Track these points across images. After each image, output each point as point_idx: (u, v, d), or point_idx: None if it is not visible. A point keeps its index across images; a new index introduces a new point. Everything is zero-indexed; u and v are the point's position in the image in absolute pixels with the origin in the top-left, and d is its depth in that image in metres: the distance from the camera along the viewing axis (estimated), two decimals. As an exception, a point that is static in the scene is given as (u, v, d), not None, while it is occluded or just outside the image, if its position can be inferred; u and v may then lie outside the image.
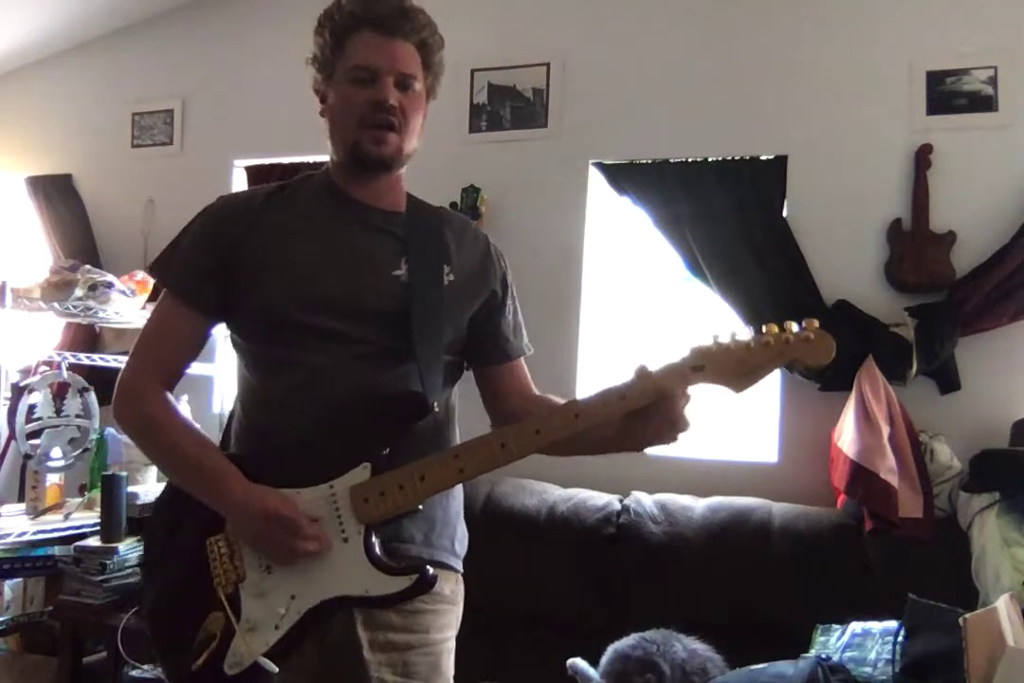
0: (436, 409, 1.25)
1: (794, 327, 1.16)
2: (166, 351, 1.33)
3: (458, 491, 1.39)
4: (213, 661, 1.18)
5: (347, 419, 1.23)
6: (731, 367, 1.16)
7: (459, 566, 1.37)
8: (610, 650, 2.12)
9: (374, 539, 1.19)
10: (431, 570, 1.18)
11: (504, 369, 1.44)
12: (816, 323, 1.15)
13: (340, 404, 1.24)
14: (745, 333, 1.16)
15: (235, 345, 1.36)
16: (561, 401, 1.33)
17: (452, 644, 1.34)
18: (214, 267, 1.29)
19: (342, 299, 1.27)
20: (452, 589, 1.35)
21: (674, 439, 1.19)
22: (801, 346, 1.14)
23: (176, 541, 1.30)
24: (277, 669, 1.16)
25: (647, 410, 1.17)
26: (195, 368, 1.42)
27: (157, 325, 1.33)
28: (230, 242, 1.29)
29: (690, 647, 2.07)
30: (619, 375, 1.21)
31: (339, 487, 1.20)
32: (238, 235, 1.30)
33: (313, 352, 1.26)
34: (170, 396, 1.31)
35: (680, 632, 2.13)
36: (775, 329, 1.16)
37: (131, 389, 1.30)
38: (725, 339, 1.16)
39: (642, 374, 1.18)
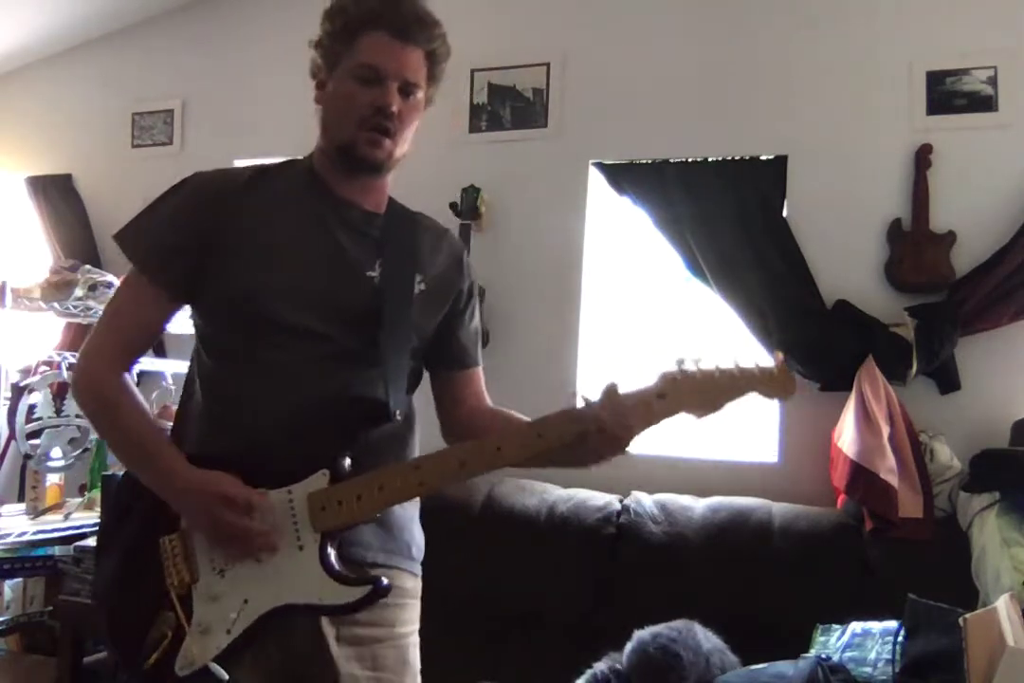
0: (398, 418, 1.25)
1: (760, 361, 1.15)
2: (129, 332, 1.30)
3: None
4: (164, 660, 1.18)
5: (308, 422, 1.22)
6: (695, 396, 1.14)
7: (417, 570, 1.37)
8: (633, 637, 2.07)
9: (329, 548, 1.18)
10: (385, 580, 1.17)
11: (459, 376, 1.43)
12: (781, 357, 1.16)
13: (303, 406, 1.23)
14: (711, 361, 1.15)
15: (197, 330, 1.33)
16: (515, 416, 1.34)
17: (416, 639, 1.34)
18: (187, 247, 1.25)
19: (315, 294, 1.26)
20: (413, 585, 1.35)
21: (608, 459, 1.18)
22: (764, 380, 1.14)
23: (131, 538, 1.28)
24: (227, 677, 1.15)
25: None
26: (178, 366, 1.42)
27: (121, 304, 1.31)
28: (206, 222, 1.26)
29: (714, 641, 2.05)
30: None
31: (297, 493, 1.19)
32: (216, 215, 1.26)
33: (279, 348, 1.25)
34: (128, 379, 1.29)
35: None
36: (741, 361, 1.15)
37: (90, 371, 1.28)
38: (691, 367, 1.14)
39: (609, 397, 1.15)
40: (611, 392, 1.15)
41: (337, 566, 1.18)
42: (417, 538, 1.38)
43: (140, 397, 1.29)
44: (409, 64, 1.27)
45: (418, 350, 1.35)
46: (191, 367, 1.35)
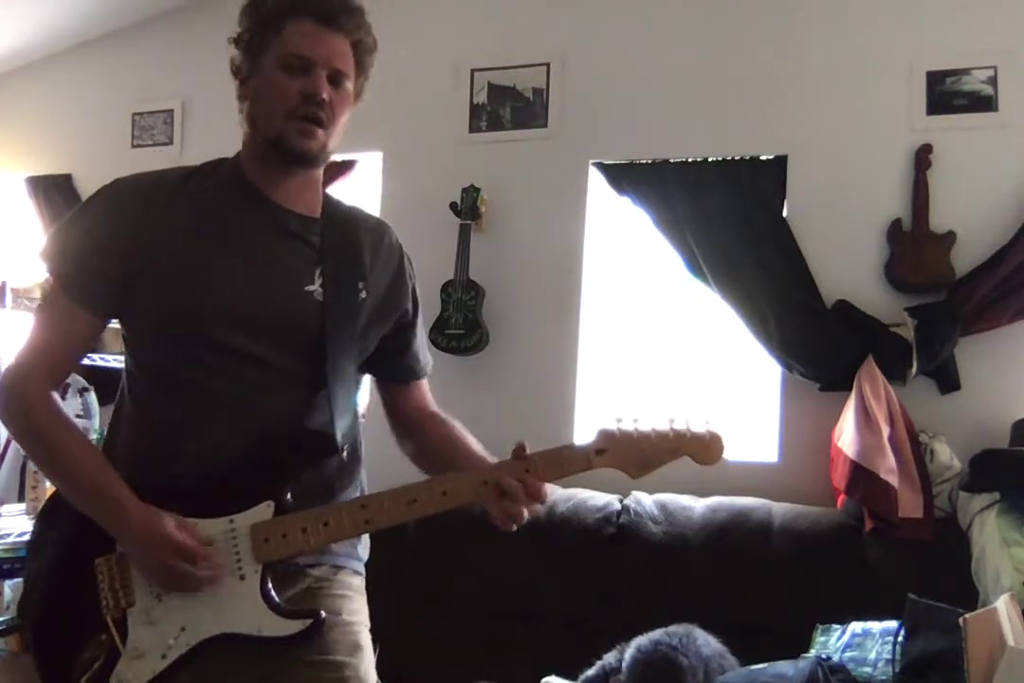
0: (344, 453, 1.25)
1: (695, 425, 1.21)
2: (58, 351, 1.25)
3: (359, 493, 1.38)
4: (96, 680, 1.16)
5: (250, 452, 1.20)
6: (631, 455, 1.20)
7: (361, 569, 1.37)
8: (632, 645, 2.08)
9: (270, 579, 1.18)
10: (324, 614, 1.18)
11: (408, 387, 1.44)
12: (714, 423, 1.22)
13: (244, 435, 1.21)
14: (648, 422, 1.21)
15: (127, 343, 1.28)
16: (452, 426, 1.37)
17: (366, 630, 1.32)
18: (111, 266, 1.20)
19: (251, 315, 1.21)
20: (359, 582, 1.35)
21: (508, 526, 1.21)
22: (695, 444, 1.20)
23: (62, 555, 1.24)
24: None
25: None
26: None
27: (48, 324, 1.25)
28: (130, 238, 1.20)
29: (714, 645, 2.04)
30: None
31: (239, 523, 1.18)
32: (139, 231, 1.21)
33: (214, 374, 1.21)
34: (57, 399, 1.24)
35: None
36: (675, 423, 1.21)
37: (20, 394, 1.22)
38: (629, 426, 1.20)
39: (552, 454, 1.21)
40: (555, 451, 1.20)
41: (277, 598, 1.18)
42: (363, 538, 1.38)
43: (71, 417, 1.25)
44: (337, 51, 1.23)
45: (361, 363, 1.34)
46: (122, 380, 1.31)
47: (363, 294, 1.30)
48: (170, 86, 3.71)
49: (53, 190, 3.83)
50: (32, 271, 3.29)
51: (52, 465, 1.23)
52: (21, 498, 2.95)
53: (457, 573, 2.59)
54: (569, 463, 1.20)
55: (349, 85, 1.26)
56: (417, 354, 1.43)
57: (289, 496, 1.20)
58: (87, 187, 3.83)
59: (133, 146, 3.76)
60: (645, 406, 2.99)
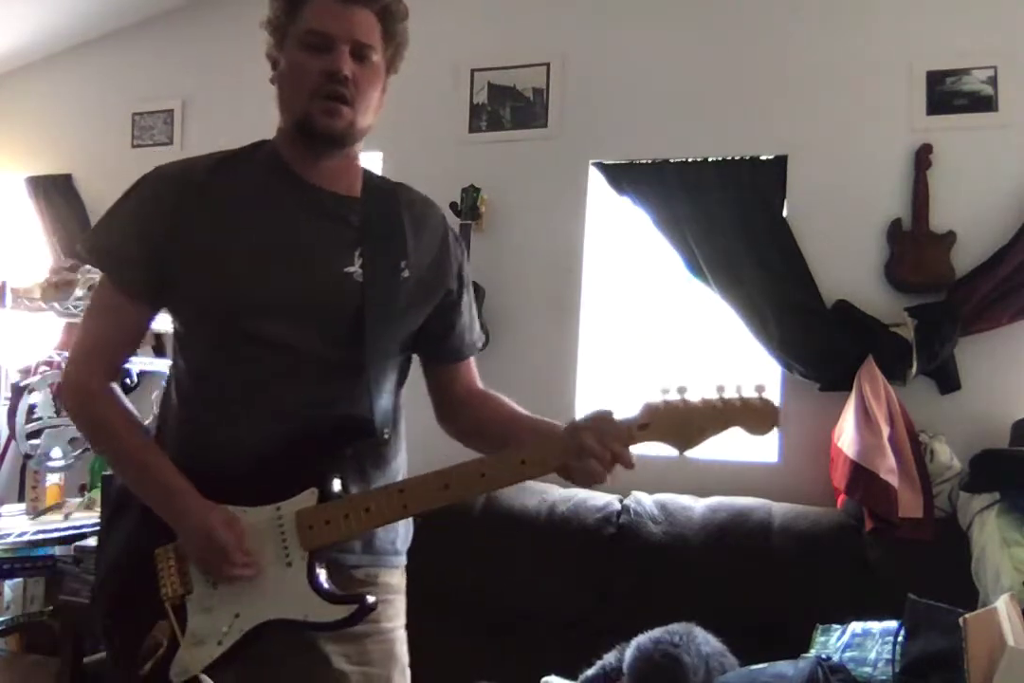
0: (385, 436, 1.24)
1: (744, 391, 1.15)
2: (110, 341, 1.27)
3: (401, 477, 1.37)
4: (159, 667, 1.19)
5: (291, 439, 1.20)
6: (676, 428, 1.14)
7: (401, 562, 1.36)
8: (632, 644, 2.06)
9: (317, 565, 1.18)
10: (371, 598, 1.18)
11: (455, 367, 1.41)
12: (765, 390, 1.15)
13: (285, 423, 1.21)
14: (695, 392, 1.14)
15: (175, 330, 1.30)
16: (505, 403, 1.35)
17: (403, 633, 1.33)
18: (148, 254, 1.21)
19: (280, 300, 1.21)
20: (398, 580, 1.35)
21: (588, 485, 1.18)
22: (746, 412, 1.14)
23: (126, 544, 1.27)
24: None
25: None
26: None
27: (98, 314, 1.27)
28: (164, 226, 1.21)
29: (714, 644, 2.04)
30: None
31: (286, 511, 1.19)
32: (174, 218, 1.21)
33: (253, 364, 1.21)
34: (116, 389, 1.26)
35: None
36: (724, 392, 1.14)
37: (79, 386, 1.25)
38: (674, 397, 1.14)
39: (599, 422, 1.15)
40: (603, 418, 1.15)
41: (325, 584, 1.18)
42: (401, 530, 1.36)
43: (129, 406, 1.26)
44: (358, 24, 1.20)
45: (406, 340, 1.32)
46: (171, 368, 1.32)
47: (405, 273, 1.27)
48: (170, 86, 3.72)
49: (53, 190, 3.83)
50: (32, 271, 3.28)
51: (110, 455, 1.27)
52: (21, 498, 2.95)
53: (457, 573, 2.59)
54: (614, 441, 1.14)
55: (375, 57, 1.22)
56: (463, 334, 1.39)
57: (336, 482, 1.20)
58: (87, 187, 3.84)
59: (133, 146, 3.76)
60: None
